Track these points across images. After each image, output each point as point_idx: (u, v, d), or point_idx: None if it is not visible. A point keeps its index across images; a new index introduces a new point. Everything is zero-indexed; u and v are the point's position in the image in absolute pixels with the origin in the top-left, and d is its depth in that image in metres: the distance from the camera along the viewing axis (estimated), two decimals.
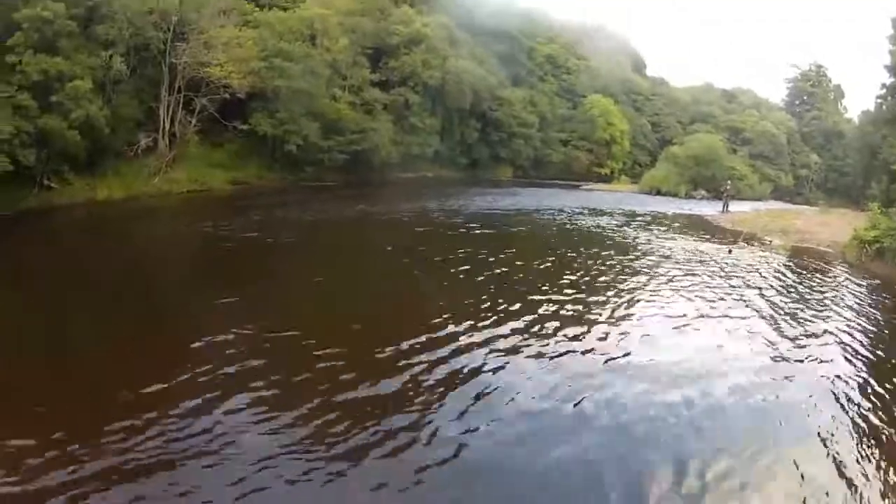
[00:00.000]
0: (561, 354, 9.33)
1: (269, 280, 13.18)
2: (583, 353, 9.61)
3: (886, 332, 14.12)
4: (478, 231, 23.32)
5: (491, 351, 9.32)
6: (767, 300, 15.29)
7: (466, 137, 65.16)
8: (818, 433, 7.61)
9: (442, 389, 7.94)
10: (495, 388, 8.08)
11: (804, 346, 11.40)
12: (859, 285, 19.04)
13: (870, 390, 9.36)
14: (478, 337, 9.63)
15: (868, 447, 7.23)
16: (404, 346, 9.34)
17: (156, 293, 12.48)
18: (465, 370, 8.52)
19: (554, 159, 78.88)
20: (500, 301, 11.62)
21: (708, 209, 45.05)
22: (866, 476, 6.59)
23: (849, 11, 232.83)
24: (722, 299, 14.44)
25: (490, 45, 76.82)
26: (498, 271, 14.81)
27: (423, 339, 9.71)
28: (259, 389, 7.44)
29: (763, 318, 13.30)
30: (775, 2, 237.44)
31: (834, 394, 9.18)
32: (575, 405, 7.81)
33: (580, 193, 54.54)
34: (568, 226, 27.93)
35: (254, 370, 7.84)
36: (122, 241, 19.90)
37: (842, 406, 8.69)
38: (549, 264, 16.60)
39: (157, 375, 7.73)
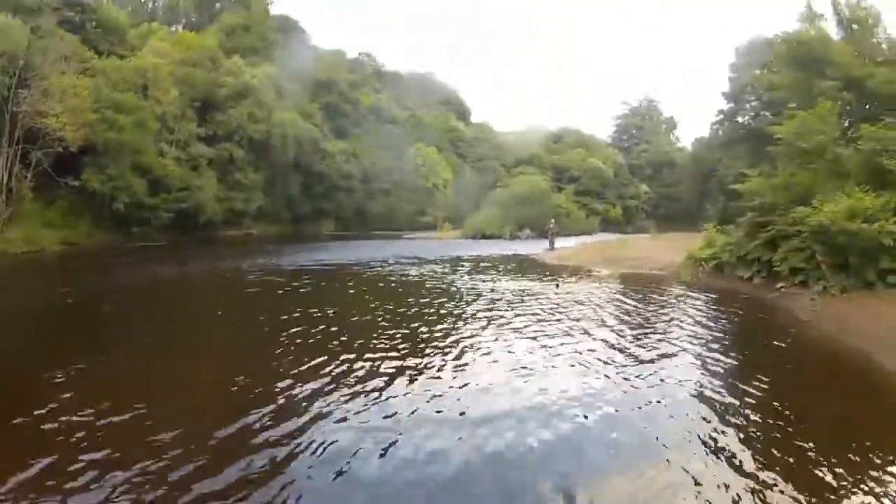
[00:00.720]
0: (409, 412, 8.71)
1: (100, 356, 11.92)
2: (427, 404, 9.09)
3: (735, 337, 15.00)
4: (304, 289, 22.65)
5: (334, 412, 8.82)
6: (604, 328, 15.08)
7: (289, 192, 67.84)
8: (674, 449, 7.52)
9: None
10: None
11: (653, 366, 11.44)
12: (698, 300, 19.88)
13: (728, 400, 9.50)
14: (315, 402, 9.09)
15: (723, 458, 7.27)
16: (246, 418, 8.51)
17: None
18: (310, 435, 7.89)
19: (377, 210, 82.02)
20: (335, 360, 11.26)
21: (534, 248, 45.53)
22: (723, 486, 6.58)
23: (674, 43, 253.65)
24: (557, 335, 13.92)
25: (316, 95, 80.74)
26: (330, 329, 14.20)
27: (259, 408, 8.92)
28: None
29: (605, 345, 13.13)
30: (599, 42, 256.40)
31: (693, 407, 9.22)
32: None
33: (404, 243, 54.64)
34: (394, 277, 26.69)
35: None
36: None
37: (703, 418, 8.67)
38: (379, 318, 15.76)
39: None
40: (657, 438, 7.89)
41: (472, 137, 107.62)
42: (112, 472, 6.48)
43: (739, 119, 61.23)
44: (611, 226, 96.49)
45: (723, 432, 8.12)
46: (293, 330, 13.85)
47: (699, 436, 7.97)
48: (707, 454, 7.45)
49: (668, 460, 7.22)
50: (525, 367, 11.11)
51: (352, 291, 22.81)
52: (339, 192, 76.11)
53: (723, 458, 7.31)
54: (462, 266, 32.19)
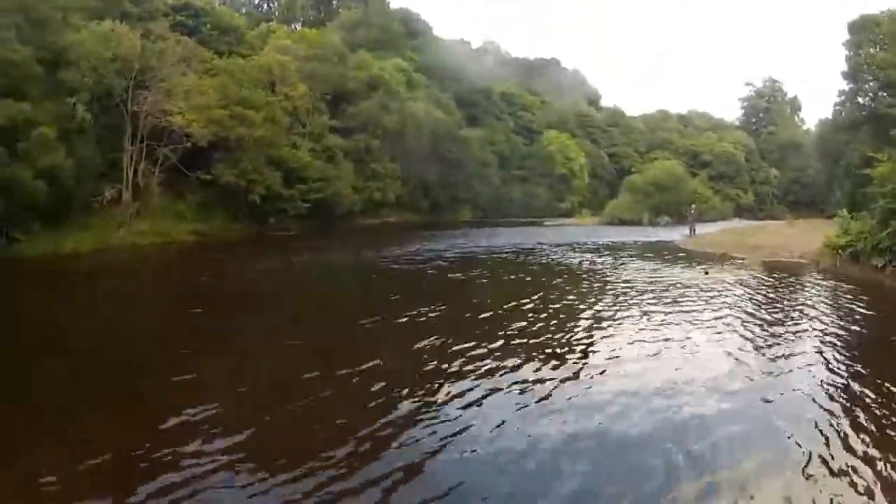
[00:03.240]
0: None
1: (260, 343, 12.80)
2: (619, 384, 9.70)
3: (863, 327, 14.65)
4: (465, 275, 23.45)
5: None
6: (756, 315, 15.49)
7: (426, 180, 66.74)
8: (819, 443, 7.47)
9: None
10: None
11: (800, 355, 11.66)
12: (838, 291, 19.59)
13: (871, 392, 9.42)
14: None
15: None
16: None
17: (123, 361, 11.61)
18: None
19: (514, 197, 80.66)
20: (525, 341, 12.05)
21: (674, 235, 45.58)
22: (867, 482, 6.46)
23: (799, 21, 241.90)
24: (714, 321, 14.51)
25: (446, 85, 79.41)
26: (499, 311, 15.06)
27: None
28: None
29: (756, 331, 13.51)
30: (723, 23, 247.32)
31: (832, 398, 9.30)
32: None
33: (544, 230, 54.95)
34: (543, 262, 27.64)
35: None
36: (93, 298, 19.51)
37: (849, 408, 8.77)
38: (541, 306, 16.09)
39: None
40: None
41: (604, 122, 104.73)
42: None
43: (860, 100, 56.23)
44: (744, 211, 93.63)
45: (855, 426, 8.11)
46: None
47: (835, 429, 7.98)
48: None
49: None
50: (689, 351, 11.81)
51: (513, 277, 23.48)
52: (475, 180, 74.72)
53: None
54: (608, 253, 32.98)
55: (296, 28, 72.58)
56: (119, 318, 16.05)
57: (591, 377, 10.12)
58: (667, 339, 12.64)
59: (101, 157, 35.78)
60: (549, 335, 12.80)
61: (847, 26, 55.82)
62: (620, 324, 14.14)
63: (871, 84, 54.84)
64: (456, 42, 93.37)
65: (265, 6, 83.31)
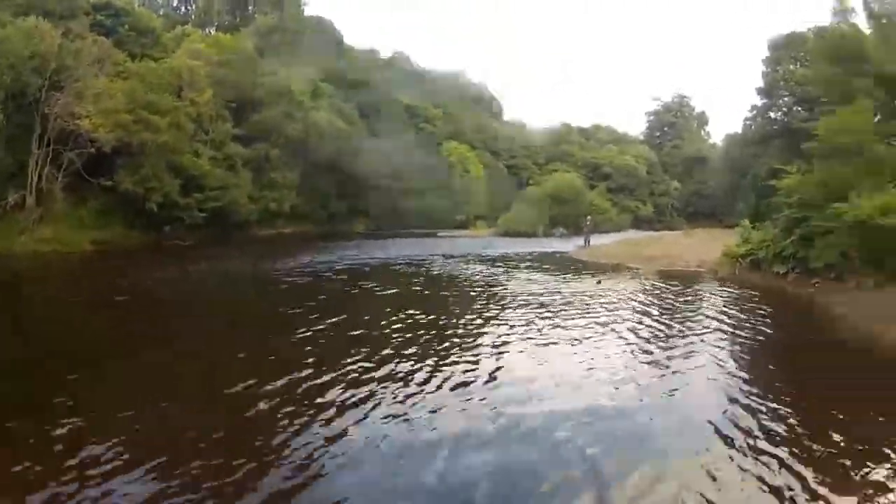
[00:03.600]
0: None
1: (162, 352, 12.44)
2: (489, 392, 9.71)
3: (773, 330, 15.17)
4: (357, 287, 23.07)
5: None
6: (650, 322, 15.59)
7: (324, 191, 67.48)
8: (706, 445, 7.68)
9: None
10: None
11: (691, 359, 11.86)
12: (736, 295, 20.15)
13: (768, 390, 9.78)
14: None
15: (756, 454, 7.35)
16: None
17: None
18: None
19: (411, 209, 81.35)
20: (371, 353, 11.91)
21: (569, 246, 45.94)
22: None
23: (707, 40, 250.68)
24: (604, 328, 14.49)
25: (351, 95, 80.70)
26: (365, 324, 14.84)
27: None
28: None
29: (649, 340, 13.55)
30: (630, 40, 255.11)
31: (726, 400, 9.47)
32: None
33: (439, 241, 55.36)
34: (435, 274, 27.11)
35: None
36: None
37: (732, 412, 8.86)
38: (423, 317, 15.76)
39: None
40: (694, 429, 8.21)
41: (505, 135, 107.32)
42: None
43: (772, 115, 60.79)
44: (642, 223, 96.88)
45: (756, 422, 8.35)
46: (323, 330, 14.20)
47: (734, 424, 8.25)
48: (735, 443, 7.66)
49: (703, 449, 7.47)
50: (576, 357, 11.80)
51: (394, 290, 22.92)
52: (373, 191, 75.53)
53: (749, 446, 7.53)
54: (500, 263, 32.59)
55: (211, 32, 72.08)
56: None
57: (483, 385, 10.14)
58: (557, 347, 12.73)
59: (9, 160, 35.58)
60: (440, 345, 12.77)
61: (767, 43, 60.42)
62: (512, 333, 14.08)
63: (786, 99, 59.02)
64: (365, 51, 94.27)
65: (183, 8, 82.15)
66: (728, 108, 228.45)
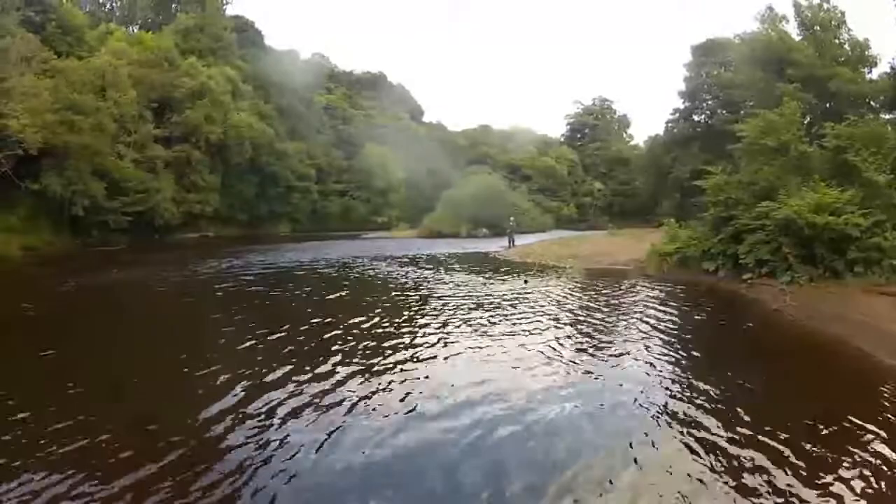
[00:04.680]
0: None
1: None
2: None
3: (708, 325, 15.36)
4: (279, 291, 21.99)
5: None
6: (580, 319, 15.36)
7: (245, 194, 67.14)
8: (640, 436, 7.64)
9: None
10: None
11: (627, 356, 11.64)
12: (666, 292, 20.15)
13: (703, 387, 9.65)
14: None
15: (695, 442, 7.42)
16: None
17: None
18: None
19: (332, 211, 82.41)
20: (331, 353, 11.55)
21: (493, 246, 45.06)
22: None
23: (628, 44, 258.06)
24: (528, 328, 14.07)
25: (271, 96, 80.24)
26: (296, 327, 14.15)
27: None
28: None
29: (581, 334, 13.42)
30: (553, 39, 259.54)
31: (661, 393, 9.40)
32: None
33: (361, 243, 54.23)
34: (359, 276, 26.50)
35: None
36: None
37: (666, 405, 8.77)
38: (356, 321, 15.04)
39: None
40: (632, 428, 8.00)
41: (425, 137, 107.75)
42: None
43: (695, 117, 63.22)
44: (565, 223, 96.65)
45: (695, 417, 8.33)
46: (257, 332, 13.76)
47: (672, 423, 8.18)
48: (679, 439, 7.64)
49: (632, 449, 7.31)
50: (498, 360, 11.23)
51: (323, 294, 21.65)
52: (294, 194, 76.11)
53: (693, 443, 7.47)
54: (426, 264, 32.09)
55: (134, 30, 70.68)
56: None
57: (412, 389, 9.70)
58: (485, 348, 12.30)
59: None
60: (366, 349, 12.34)
61: (691, 49, 63.06)
62: (439, 335, 13.59)
63: (709, 102, 61.18)
64: (285, 52, 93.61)
65: (108, 5, 79.84)
66: (648, 111, 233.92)
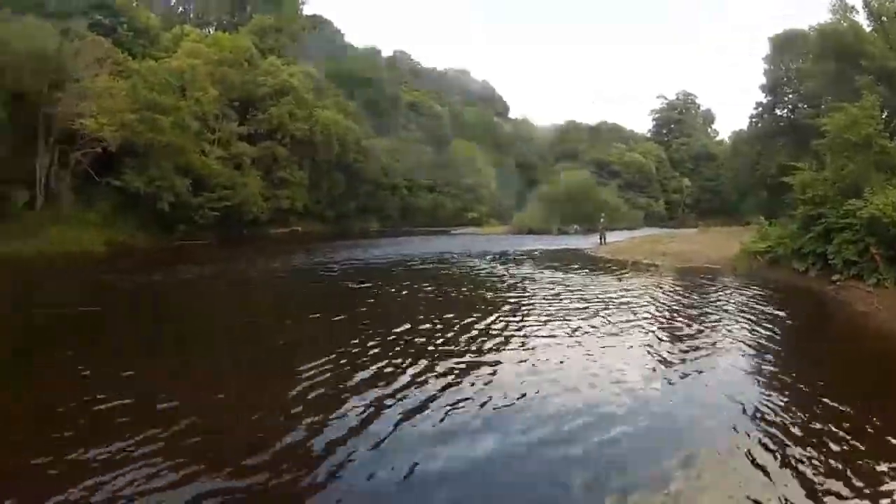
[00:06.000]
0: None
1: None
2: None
3: (796, 327, 15.20)
4: (381, 287, 22.02)
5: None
6: (675, 319, 15.40)
7: (334, 190, 67.01)
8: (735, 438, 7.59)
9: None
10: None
11: (715, 355, 11.70)
12: (756, 292, 19.83)
13: (790, 388, 9.66)
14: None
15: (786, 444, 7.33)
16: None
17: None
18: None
19: (421, 207, 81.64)
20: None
21: (585, 243, 45.24)
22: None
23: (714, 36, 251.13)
24: (630, 326, 14.21)
25: (355, 93, 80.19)
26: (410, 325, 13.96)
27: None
28: None
29: (673, 336, 13.35)
30: (636, 34, 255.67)
31: (750, 395, 9.31)
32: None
33: (452, 239, 54.65)
34: (449, 272, 26.96)
35: None
36: None
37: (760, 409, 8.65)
38: (457, 316, 15.15)
39: None
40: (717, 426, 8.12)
41: (513, 133, 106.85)
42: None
43: (778, 112, 60.15)
44: (654, 220, 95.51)
45: (777, 421, 8.18)
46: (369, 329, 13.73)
47: (761, 424, 8.10)
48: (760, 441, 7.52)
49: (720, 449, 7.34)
50: (595, 358, 11.29)
51: (415, 289, 21.76)
52: (383, 190, 75.70)
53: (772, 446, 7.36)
54: (518, 261, 32.00)
55: (209, 31, 71.71)
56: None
57: (512, 385, 9.74)
58: (582, 345, 12.32)
59: (16, 160, 35.00)
60: (467, 348, 12.24)
61: (769, 41, 59.56)
62: (539, 331, 13.67)
63: (790, 96, 58.34)
64: (366, 50, 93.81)
65: (181, 8, 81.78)
66: (732, 105, 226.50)
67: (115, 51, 44.26)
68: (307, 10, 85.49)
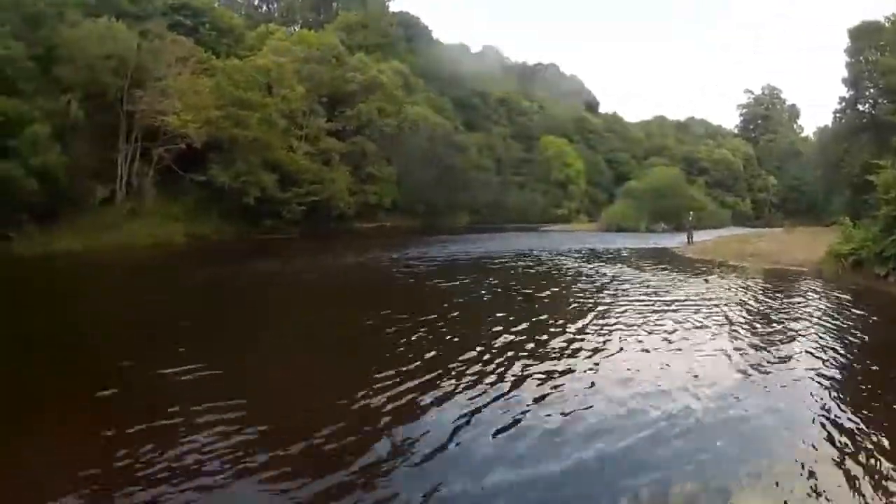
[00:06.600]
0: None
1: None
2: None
3: (870, 339, 14.15)
4: (480, 281, 22.50)
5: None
6: (759, 323, 15.35)
7: (423, 185, 65.92)
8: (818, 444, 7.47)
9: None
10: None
11: (805, 365, 11.39)
12: (837, 298, 19.28)
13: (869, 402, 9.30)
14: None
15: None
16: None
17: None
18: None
19: (511, 203, 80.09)
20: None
21: (672, 242, 45.12)
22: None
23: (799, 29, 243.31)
24: (717, 328, 14.29)
25: (444, 89, 79.61)
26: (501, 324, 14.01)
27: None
28: None
29: (757, 342, 13.16)
30: (722, 29, 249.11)
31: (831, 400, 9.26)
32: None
33: (542, 235, 54.67)
34: (543, 268, 27.46)
35: None
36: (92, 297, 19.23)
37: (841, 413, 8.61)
38: (543, 315, 15.64)
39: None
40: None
41: (601, 128, 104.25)
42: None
43: (860, 107, 56.51)
44: (741, 220, 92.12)
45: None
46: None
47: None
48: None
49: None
50: (689, 367, 11.00)
51: (509, 286, 22.08)
52: (473, 185, 74.17)
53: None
54: (608, 261, 32.13)
55: (295, 30, 72.52)
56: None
57: (611, 393, 9.65)
58: (680, 352, 12.30)
59: (95, 156, 35.53)
60: (563, 345, 12.44)
61: (848, 32, 55.98)
62: (631, 336, 13.62)
63: (871, 91, 55.14)
64: (454, 46, 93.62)
65: (265, 7, 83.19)
66: (817, 99, 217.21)
67: (198, 50, 44.92)
68: (393, 7, 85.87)
